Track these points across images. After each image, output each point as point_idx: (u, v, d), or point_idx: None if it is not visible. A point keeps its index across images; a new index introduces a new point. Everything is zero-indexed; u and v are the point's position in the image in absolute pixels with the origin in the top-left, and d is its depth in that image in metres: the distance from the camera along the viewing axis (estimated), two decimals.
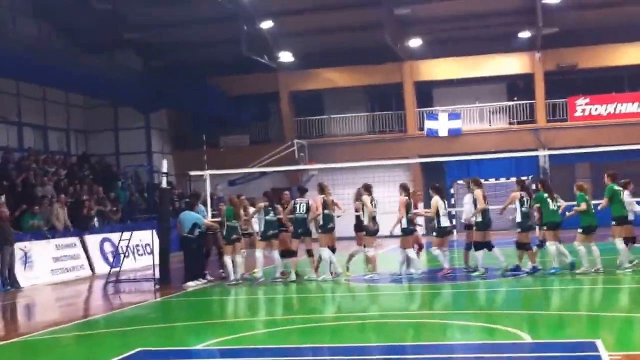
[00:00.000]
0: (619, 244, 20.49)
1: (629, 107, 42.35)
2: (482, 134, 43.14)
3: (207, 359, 12.25)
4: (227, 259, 21.82)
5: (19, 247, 24.34)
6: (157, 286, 22.14)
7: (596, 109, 42.67)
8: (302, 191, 22.74)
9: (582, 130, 41.54)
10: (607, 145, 29.19)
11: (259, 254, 22.06)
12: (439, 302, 18.47)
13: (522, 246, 21.05)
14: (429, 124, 43.61)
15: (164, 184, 24.30)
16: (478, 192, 21.05)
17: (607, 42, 42.07)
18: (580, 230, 20.49)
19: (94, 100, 42.05)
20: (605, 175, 21.38)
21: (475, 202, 21.11)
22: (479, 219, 20.93)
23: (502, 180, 40.55)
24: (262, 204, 22.02)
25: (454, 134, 43.05)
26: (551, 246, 20.63)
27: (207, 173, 25.57)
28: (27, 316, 20.13)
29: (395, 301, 18.80)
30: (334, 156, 40.49)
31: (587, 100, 42.75)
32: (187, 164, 36.60)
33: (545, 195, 20.70)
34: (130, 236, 25.02)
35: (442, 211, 21.35)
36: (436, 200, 21.42)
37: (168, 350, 12.87)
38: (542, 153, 39.30)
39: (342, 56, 43.14)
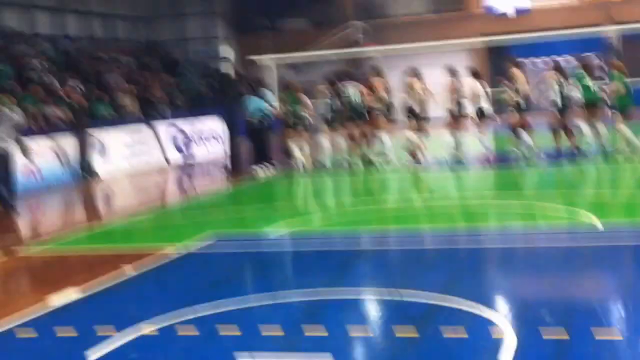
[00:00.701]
0: None
1: None
2: (550, 11, 42.22)
3: (279, 243, 12.41)
4: (293, 145, 21.81)
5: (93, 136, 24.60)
6: (227, 172, 22.31)
7: None
8: (351, 75, 22.49)
9: None
10: None
11: (324, 140, 22.05)
12: (511, 182, 18.30)
13: (563, 128, 20.61)
14: (494, 2, 42.86)
15: (228, 70, 24.30)
16: (516, 72, 20.82)
17: None
18: (618, 111, 20.03)
19: None
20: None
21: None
22: (520, 100, 20.61)
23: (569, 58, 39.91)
24: (323, 89, 21.88)
25: (522, 11, 42.31)
26: (583, 126, 20.32)
27: (269, 57, 25.49)
28: (104, 204, 20.49)
29: (452, 184, 18.96)
30: (394, 38, 39.87)
31: None
32: (250, 49, 36.54)
33: (583, 73, 20.29)
34: (199, 123, 25.17)
35: (482, 95, 21.08)
36: (475, 84, 21.14)
37: (241, 236, 13.08)
38: (613, 28, 38.38)
39: None
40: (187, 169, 23.84)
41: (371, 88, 21.57)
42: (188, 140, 25.93)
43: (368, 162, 21.78)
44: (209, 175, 23.37)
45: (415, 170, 20.78)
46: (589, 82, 20.09)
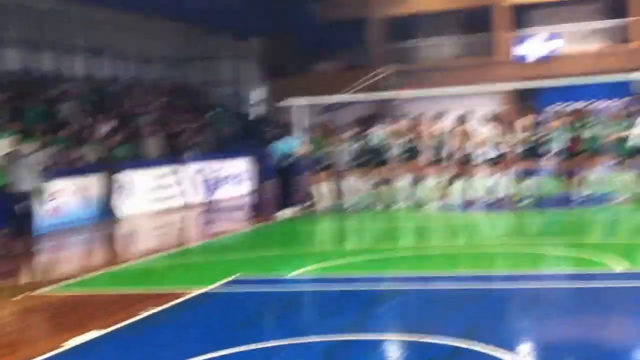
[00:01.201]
0: None
1: None
2: (577, 57, 42.30)
3: (300, 286, 12.61)
4: (318, 188, 22.05)
5: (117, 176, 24.86)
6: (251, 215, 22.51)
7: None
8: (378, 119, 22.75)
9: None
10: None
11: (346, 183, 22.27)
12: (523, 228, 18.52)
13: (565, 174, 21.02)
14: (522, 48, 43.01)
15: (258, 113, 24.59)
16: (524, 121, 21.14)
17: None
18: (616, 160, 20.46)
19: (191, 28, 42.38)
20: None
21: None
22: (526, 147, 20.87)
23: (597, 104, 39.93)
24: (350, 133, 22.14)
25: (549, 56, 42.41)
26: (588, 174, 20.76)
27: (299, 101, 25.73)
28: (127, 244, 20.62)
29: (472, 229, 18.92)
30: (424, 82, 40.15)
31: None
32: (280, 92, 36.88)
33: (579, 124, 20.57)
34: (225, 166, 25.44)
35: (489, 141, 21.16)
36: (485, 130, 21.27)
37: (263, 278, 13.26)
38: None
39: None
40: (213, 210, 24.05)
41: (399, 131, 21.80)
42: (215, 182, 26.19)
43: (391, 205, 22.05)
44: (233, 216, 23.57)
45: (436, 213, 20.95)
46: (585, 130, 20.33)
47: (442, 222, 20.10)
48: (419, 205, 21.89)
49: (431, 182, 21.81)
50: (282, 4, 41.62)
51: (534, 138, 21.08)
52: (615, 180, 20.99)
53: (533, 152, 20.99)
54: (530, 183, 21.03)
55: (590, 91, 38.97)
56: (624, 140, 20.15)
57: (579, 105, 22.20)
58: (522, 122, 21.02)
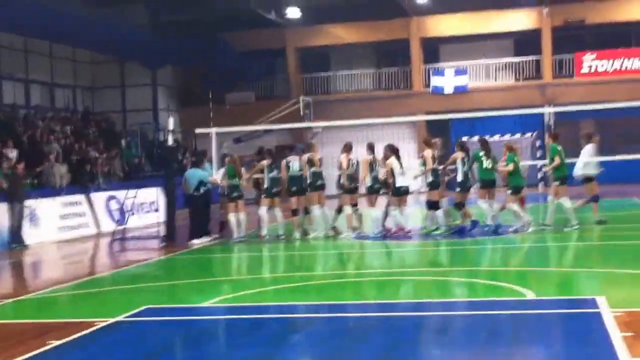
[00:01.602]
0: (566, 202, 20.73)
1: (635, 63, 42.11)
2: (488, 91, 43.01)
3: (212, 316, 12.34)
4: (231, 217, 21.95)
5: (25, 205, 24.40)
6: (163, 244, 22.25)
7: (602, 65, 42.43)
8: (291, 149, 22.84)
9: (588, 87, 41.37)
10: (613, 102, 29.06)
11: (262, 211, 22.18)
12: (434, 258, 18.61)
13: (459, 205, 21.29)
14: (435, 81, 43.51)
15: (170, 142, 24.38)
16: (427, 153, 21.28)
17: None
18: (509, 191, 20.67)
19: (101, 57, 42.04)
20: (547, 134, 21.59)
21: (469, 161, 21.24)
22: (431, 178, 21.12)
23: (508, 137, 40.49)
24: (265, 162, 22.11)
25: (460, 90, 42.96)
26: (482, 204, 20.99)
27: (212, 130, 25.53)
28: (33, 274, 20.28)
29: (389, 258, 19.09)
30: (339, 113, 40.37)
31: (594, 55, 42.51)
32: (192, 121, 36.69)
33: (481, 153, 20.85)
34: (136, 194, 25.17)
35: (397, 171, 21.21)
36: (391, 160, 21.29)
37: (173, 308, 13.02)
38: (547, 110, 39.27)
39: (349, 12, 42.95)
40: (124, 239, 23.71)
41: (312, 161, 21.79)
42: (126, 211, 25.86)
43: (306, 234, 22.06)
44: (145, 245, 23.24)
45: (350, 242, 20.95)
46: (486, 162, 20.62)
47: (356, 251, 20.14)
48: (333, 234, 21.89)
49: (346, 210, 21.78)
50: (196, 35, 41.47)
51: (439, 169, 21.38)
52: (508, 210, 21.23)
53: (438, 183, 21.29)
54: (437, 214, 21.21)
55: (504, 124, 39.62)
56: (514, 172, 20.46)
57: (481, 137, 22.27)
58: (428, 154, 21.21)
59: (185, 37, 40.68)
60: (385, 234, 21.25)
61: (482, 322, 10.78)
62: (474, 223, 21.04)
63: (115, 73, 43.45)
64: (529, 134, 41.22)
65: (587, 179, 21.46)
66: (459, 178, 21.17)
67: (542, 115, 41.50)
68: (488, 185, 20.94)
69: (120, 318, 11.79)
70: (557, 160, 20.62)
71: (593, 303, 11.16)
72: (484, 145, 21.13)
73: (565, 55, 43.13)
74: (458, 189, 21.29)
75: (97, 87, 43.25)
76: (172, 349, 10.36)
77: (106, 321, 11.51)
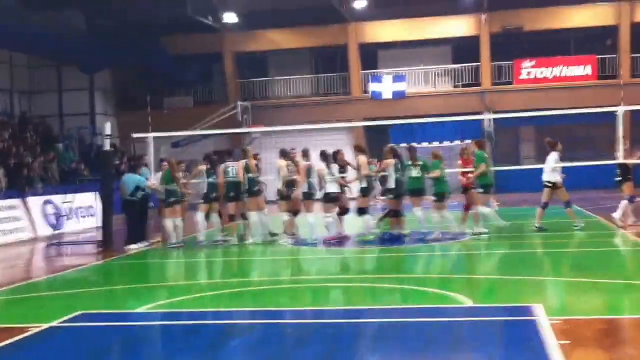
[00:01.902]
0: (483, 209, 21.11)
1: (575, 70, 42.68)
2: (427, 97, 43.32)
3: (147, 322, 12.26)
4: (168, 222, 21.87)
5: None
6: (99, 249, 22.10)
7: (542, 72, 42.95)
8: (230, 154, 22.79)
9: (528, 94, 41.89)
10: (552, 109, 29.36)
11: (200, 217, 22.12)
12: (372, 265, 18.59)
13: (395, 213, 21.44)
14: (373, 87, 43.69)
15: (107, 147, 24.19)
16: (362, 159, 21.38)
17: (553, 5, 42.35)
18: (434, 199, 20.95)
19: (38, 61, 41.71)
20: (472, 142, 21.84)
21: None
22: (364, 185, 21.21)
23: (447, 143, 40.78)
24: (202, 167, 22.07)
25: (399, 96, 43.19)
26: (417, 212, 21.08)
27: (150, 135, 25.41)
28: None
29: (327, 265, 18.99)
30: (277, 119, 40.57)
31: (533, 63, 43.03)
32: (130, 126, 36.56)
33: (409, 162, 21.03)
34: (73, 199, 24.97)
35: (327, 178, 21.28)
36: (322, 167, 21.36)
37: (109, 314, 12.89)
38: (487, 116, 39.60)
39: (287, 17, 43.02)
40: (61, 244, 23.52)
41: (248, 167, 21.79)
42: (61, 216, 25.64)
43: (243, 240, 22.08)
44: (82, 250, 23.07)
45: (287, 248, 20.99)
46: (414, 170, 20.75)
47: (292, 257, 20.09)
48: (271, 240, 21.91)
49: (283, 217, 21.81)
50: (134, 39, 41.24)
51: (371, 175, 21.50)
52: (434, 218, 21.40)
53: (370, 190, 21.50)
54: (367, 219, 21.35)
55: (443, 131, 39.91)
56: (440, 180, 20.70)
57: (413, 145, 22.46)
58: (362, 160, 21.29)
59: (122, 42, 40.45)
60: (325, 241, 21.28)
61: (420, 330, 10.77)
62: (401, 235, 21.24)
63: (53, 77, 43.14)
64: (468, 141, 41.43)
65: (555, 186, 21.54)
66: (391, 185, 21.24)
67: (481, 122, 41.85)
68: (416, 194, 21.04)
69: (54, 324, 11.67)
70: (482, 167, 20.76)
71: (530, 311, 11.21)
72: (412, 153, 21.22)
73: (504, 62, 43.48)
74: (391, 196, 21.38)
75: (34, 91, 42.87)
76: (107, 355, 10.25)
77: (40, 327, 11.39)
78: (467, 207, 22.09)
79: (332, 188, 21.23)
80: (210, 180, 22.01)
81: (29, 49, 37.80)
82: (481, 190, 21.18)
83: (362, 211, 21.47)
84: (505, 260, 18.32)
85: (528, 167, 35.89)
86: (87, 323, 12.05)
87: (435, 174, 20.57)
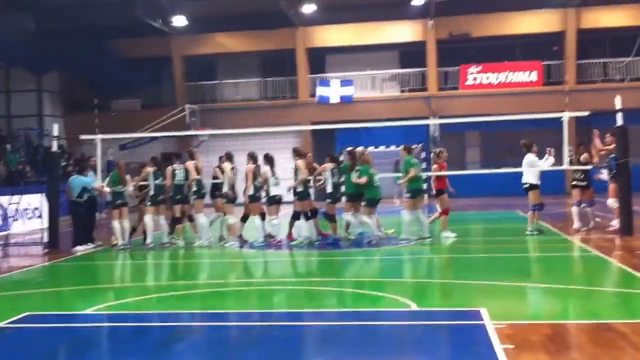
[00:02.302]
0: (406, 215, 21.23)
1: (520, 76, 43.06)
2: (373, 102, 43.55)
3: (94, 323, 12.33)
4: (115, 224, 21.98)
5: None
6: (46, 250, 22.09)
7: (487, 78, 43.29)
8: (178, 157, 22.87)
9: (473, 99, 42.25)
10: (497, 115, 29.74)
11: (147, 219, 22.23)
12: (315, 268, 18.87)
13: (330, 217, 21.72)
14: (320, 91, 43.87)
15: (55, 148, 24.21)
16: (299, 163, 21.62)
17: (500, 11, 42.73)
18: (363, 203, 21.07)
19: None
20: (402, 148, 22.01)
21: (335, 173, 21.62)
22: (300, 189, 21.43)
23: (393, 148, 40.99)
24: (150, 169, 22.18)
25: (346, 101, 43.41)
26: (347, 217, 21.39)
27: (97, 137, 25.44)
28: None
29: (272, 267, 19.26)
30: (225, 122, 40.61)
31: (479, 68, 43.35)
32: (78, 128, 36.52)
33: (348, 166, 21.24)
34: (20, 200, 24.92)
35: (271, 180, 21.54)
36: (266, 170, 21.61)
37: (55, 315, 12.95)
38: (433, 121, 39.95)
39: (235, 21, 43.15)
40: (6, 245, 23.42)
41: (197, 169, 21.97)
42: (7, 216, 25.59)
43: (189, 242, 22.28)
44: (28, 252, 23.03)
45: (234, 251, 21.10)
46: (354, 174, 20.94)
47: (239, 260, 20.20)
48: (218, 242, 22.08)
49: (230, 219, 21.95)
50: (82, 41, 41.14)
51: (309, 179, 21.75)
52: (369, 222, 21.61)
53: (306, 194, 21.66)
54: (305, 224, 21.55)
55: (390, 135, 40.13)
56: (369, 185, 20.80)
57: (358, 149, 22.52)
58: (300, 164, 21.50)
59: (70, 44, 40.33)
60: (270, 243, 21.45)
61: (366, 333, 10.88)
62: (336, 240, 21.55)
63: (1, 78, 42.85)
64: (414, 146, 41.73)
65: (532, 187, 21.75)
66: (328, 189, 21.49)
67: (427, 126, 42.16)
68: (354, 198, 21.24)
69: (1, 324, 11.73)
70: (412, 172, 20.99)
71: (476, 315, 11.30)
72: (351, 157, 21.37)
73: (450, 67, 43.86)
74: (328, 200, 21.61)
75: None
76: (53, 356, 10.31)
77: None
78: (445, 212, 22.22)
79: (276, 191, 21.45)
80: (157, 182, 22.11)
81: None
82: (408, 195, 21.39)
83: (295, 215, 21.73)
84: (447, 264, 18.46)
85: (473, 172, 36.43)
86: (34, 324, 12.10)
87: (363, 179, 20.64)
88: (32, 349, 10.51)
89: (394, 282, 15.48)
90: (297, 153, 22.04)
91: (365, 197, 20.92)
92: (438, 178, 22.07)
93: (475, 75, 43.37)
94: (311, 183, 22.06)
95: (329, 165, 21.54)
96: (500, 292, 13.94)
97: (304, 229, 21.54)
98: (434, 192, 22.34)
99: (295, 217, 21.67)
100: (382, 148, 39.92)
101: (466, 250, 20.36)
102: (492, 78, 43.24)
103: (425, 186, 22.74)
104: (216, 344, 10.57)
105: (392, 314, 12.17)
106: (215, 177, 22.91)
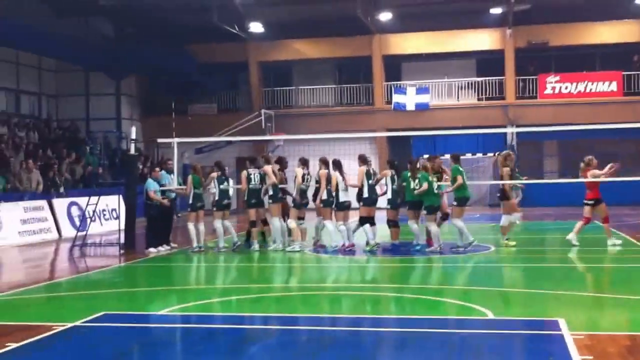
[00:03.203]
0: (458, 223, 20.96)
1: (599, 86, 42.45)
2: (449, 109, 43.29)
3: (169, 324, 12.48)
4: (191, 226, 22.14)
5: None
6: (122, 251, 22.35)
7: (566, 87, 42.74)
8: (252, 161, 22.90)
9: (551, 108, 41.73)
10: (576, 124, 29.36)
11: (217, 224, 22.36)
12: (388, 275, 18.70)
13: (392, 223, 21.84)
14: (396, 98, 43.72)
15: (132, 150, 24.48)
16: (298, 171, 21.81)
17: (579, 20, 42.21)
18: (424, 212, 21.02)
19: (66, 65, 42.10)
20: (450, 157, 21.88)
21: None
22: (365, 195, 21.37)
23: (469, 155, 40.80)
24: (214, 174, 22.28)
25: (422, 108, 43.22)
26: (412, 225, 21.32)
27: (174, 141, 25.67)
28: None
29: (343, 273, 19.12)
30: (300, 127, 40.74)
31: (557, 78, 42.87)
32: (155, 131, 36.94)
33: (409, 174, 21.13)
34: (98, 201, 25.27)
35: (341, 186, 21.45)
36: (336, 175, 21.51)
37: (131, 315, 13.14)
38: (510, 130, 39.61)
39: (312, 28, 43.21)
40: (85, 245, 23.78)
41: (274, 173, 22.03)
42: (85, 217, 25.96)
43: (263, 246, 22.39)
44: (106, 252, 23.36)
45: (304, 255, 21.16)
46: (413, 183, 20.89)
47: (313, 264, 20.21)
48: (291, 246, 22.00)
49: (292, 223, 21.87)
50: (160, 46, 41.61)
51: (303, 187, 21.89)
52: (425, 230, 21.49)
53: (373, 200, 21.61)
54: (366, 228, 21.46)
55: (466, 143, 39.92)
56: (428, 192, 20.71)
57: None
58: (296, 172, 21.82)
59: (149, 49, 40.81)
60: (343, 249, 21.50)
61: (443, 340, 10.81)
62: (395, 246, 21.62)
63: (80, 81, 43.49)
64: (490, 154, 41.49)
65: (597, 201, 21.23)
66: (389, 195, 21.56)
67: (504, 135, 41.79)
68: (415, 206, 21.20)
69: (78, 323, 11.90)
70: (459, 180, 20.82)
71: (554, 325, 11.17)
72: (412, 166, 21.32)
73: (528, 76, 43.47)
74: (389, 206, 21.72)
75: (61, 94, 43.31)
76: (128, 355, 10.44)
77: (64, 325, 11.62)
78: (606, 220, 21.52)
79: (345, 197, 21.48)
80: (222, 187, 22.29)
81: (58, 54, 38.29)
82: (455, 203, 21.20)
83: (364, 220, 21.61)
84: (527, 273, 18.18)
85: (550, 182, 36.09)
86: (110, 323, 12.29)
87: (424, 187, 20.57)
88: (108, 347, 10.65)
89: (469, 290, 15.38)
90: (362, 160, 21.94)
91: (424, 204, 20.91)
92: (591, 187, 21.34)
93: (553, 84, 42.89)
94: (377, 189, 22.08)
95: (388, 172, 21.54)
96: (578, 302, 13.71)
97: (371, 234, 21.49)
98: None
99: (363, 222, 21.61)
100: None
101: (542, 260, 20.16)
102: (571, 88, 42.67)
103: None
104: (287, 348, 10.57)
105: (470, 322, 12.09)
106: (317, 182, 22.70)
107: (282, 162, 22.67)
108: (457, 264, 19.40)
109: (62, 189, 30.16)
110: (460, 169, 21.16)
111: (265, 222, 22.75)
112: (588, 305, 13.45)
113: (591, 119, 35.57)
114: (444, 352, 10.11)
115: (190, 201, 22.25)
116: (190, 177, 22.48)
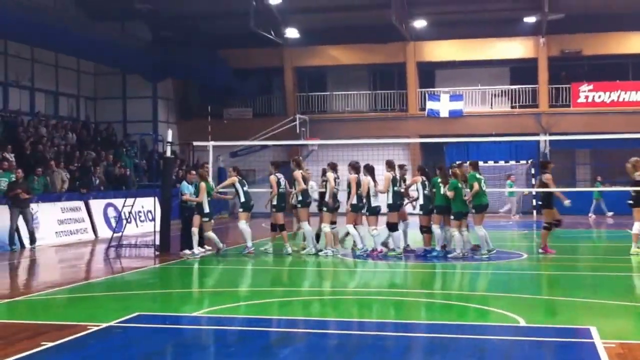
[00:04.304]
0: (479, 230, 21.13)
1: (633, 96, 42.28)
2: (483, 117, 43.30)
3: (203, 326, 12.69)
4: (244, 226, 22.45)
5: (26, 208, 24.66)
6: (157, 252, 22.60)
7: (599, 96, 42.61)
8: (277, 166, 23.06)
9: (584, 117, 41.63)
10: (609, 133, 29.24)
11: (243, 225, 22.55)
12: (418, 280, 18.72)
13: (424, 229, 22.03)
14: (430, 105, 43.79)
15: (168, 153, 24.77)
16: (296, 174, 22.06)
17: (612, 30, 42.08)
18: (452, 217, 21.04)
19: (104, 68, 42.59)
20: (468, 164, 21.98)
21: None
22: (389, 201, 21.53)
23: (502, 163, 40.86)
24: (235, 178, 22.52)
25: (455, 115, 43.27)
26: (436, 229, 21.43)
27: (210, 144, 25.97)
28: (30, 276, 20.59)
29: (373, 277, 19.25)
30: (334, 132, 40.96)
31: (591, 87, 42.74)
32: (190, 134, 37.31)
33: (439, 180, 21.28)
34: (134, 202, 25.56)
35: (372, 191, 21.56)
36: (368, 180, 21.60)
37: (165, 316, 13.36)
38: (543, 138, 39.61)
39: (346, 34, 43.38)
40: (120, 246, 24.07)
41: (304, 178, 22.25)
42: (121, 218, 26.29)
43: (293, 250, 22.52)
44: (141, 253, 23.61)
45: (334, 260, 21.32)
46: (443, 188, 21.04)
47: (347, 269, 20.41)
48: (323, 250, 22.09)
49: (326, 228, 22.05)
50: (196, 51, 41.94)
51: (401, 191, 22.03)
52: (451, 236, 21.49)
53: (397, 206, 21.75)
54: (394, 235, 21.64)
55: (499, 150, 39.97)
56: (456, 198, 20.82)
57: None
58: (295, 175, 22.05)
59: (185, 53, 41.17)
60: (371, 254, 21.68)
61: (474, 346, 10.85)
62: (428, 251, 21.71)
63: (117, 84, 43.97)
64: (523, 161, 41.51)
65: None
66: (420, 201, 21.79)
67: (537, 143, 41.76)
68: (443, 211, 21.32)
69: (112, 323, 12.14)
70: (476, 187, 20.89)
71: (586, 333, 11.22)
72: (442, 172, 21.49)
73: (561, 84, 43.41)
74: (420, 212, 21.95)
75: (99, 97, 43.82)
76: (161, 355, 10.63)
77: (99, 325, 11.86)
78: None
79: (376, 202, 21.62)
80: (245, 189, 22.49)
81: (96, 57, 38.78)
82: (474, 211, 21.30)
83: (391, 227, 21.72)
84: (559, 281, 18.22)
85: (583, 190, 36.06)
86: (144, 324, 12.53)
87: (451, 193, 20.71)
88: (141, 348, 10.86)
89: (500, 297, 15.35)
90: (389, 165, 22.09)
91: (452, 210, 21.00)
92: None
93: (587, 93, 42.79)
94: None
95: (418, 178, 21.74)
96: (609, 310, 13.65)
97: (397, 240, 21.67)
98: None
99: (392, 228, 21.78)
100: (490, 163, 39.78)
101: (574, 268, 20.15)
102: (604, 97, 42.53)
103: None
104: (318, 351, 10.72)
105: (501, 328, 12.19)
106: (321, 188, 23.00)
107: (334, 168, 22.75)
108: (487, 271, 19.44)
109: (99, 189, 30.49)
110: (478, 176, 21.25)
111: (282, 228, 22.87)
112: (619, 314, 13.44)
113: (624, 128, 35.56)
114: (475, 358, 10.19)
115: (242, 200, 22.45)
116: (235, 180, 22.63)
